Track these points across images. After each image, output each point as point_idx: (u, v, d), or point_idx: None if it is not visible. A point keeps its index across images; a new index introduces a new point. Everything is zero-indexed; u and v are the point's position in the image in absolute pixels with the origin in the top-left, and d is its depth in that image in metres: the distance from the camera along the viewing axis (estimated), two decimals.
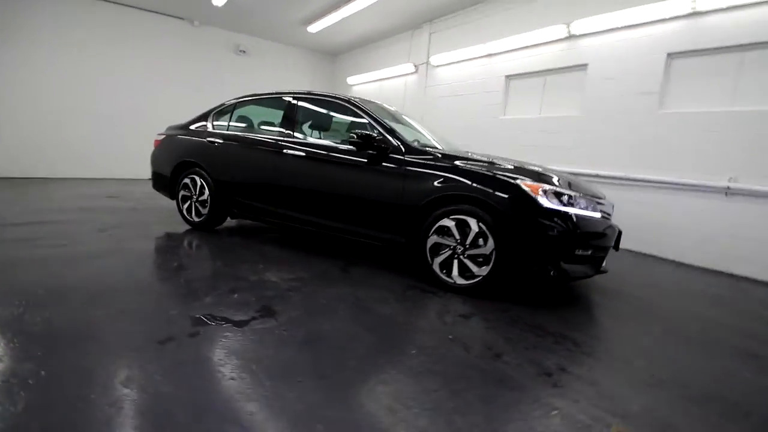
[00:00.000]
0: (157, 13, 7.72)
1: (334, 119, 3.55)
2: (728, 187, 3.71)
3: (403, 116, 3.76)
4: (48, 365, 1.46)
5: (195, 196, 3.81)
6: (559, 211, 2.38)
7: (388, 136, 2.92)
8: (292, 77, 9.65)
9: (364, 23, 7.51)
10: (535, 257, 2.41)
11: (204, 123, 3.94)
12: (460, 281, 2.59)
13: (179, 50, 8.12)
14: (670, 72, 4.16)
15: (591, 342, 2.10)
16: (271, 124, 3.69)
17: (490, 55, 6.03)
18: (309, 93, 3.56)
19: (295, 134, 3.42)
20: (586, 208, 2.52)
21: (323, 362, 1.66)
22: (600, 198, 2.75)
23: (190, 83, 8.30)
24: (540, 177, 2.56)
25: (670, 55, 4.12)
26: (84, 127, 7.33)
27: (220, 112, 3.94)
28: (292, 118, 3.48)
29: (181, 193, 3.92)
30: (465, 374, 1.66)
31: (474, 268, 2.53)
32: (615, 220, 2.89)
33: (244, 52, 8.88)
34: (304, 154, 3.22)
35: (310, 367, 1.61)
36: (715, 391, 1.70)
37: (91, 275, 2.47)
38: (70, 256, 2.79)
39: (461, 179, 2.57)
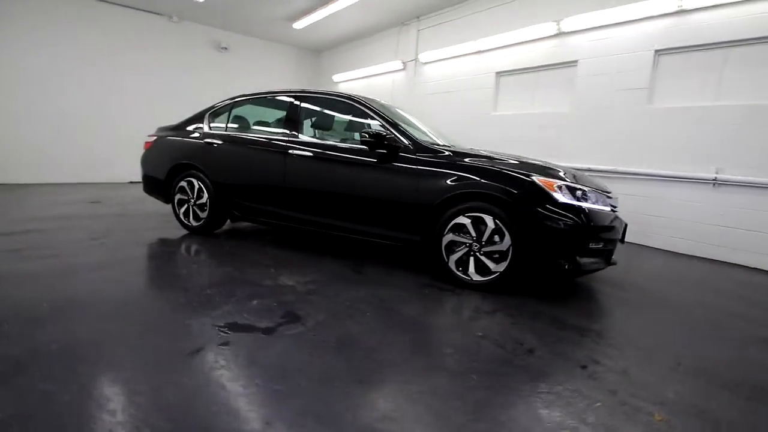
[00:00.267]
0: (131, 8, 7.37)
1: (340, 118, 3.50)
2: (715, 178, 3.90)
3: (403, 113, 3.74)
4: (86, 393, 1.38)
5: (193, 200, 3.68)
6: (573, 206, 2.44)
7: (399, 135, 2.90)
8: (275, 75, 9.46)
9: (351, 19, 7.43)
10: (552, 252, 2.45)
11: (199, 124, 3.80)
12: (477, 278, 2.61)
13: (156, 47, 7.79)
14: (657, 68, 4.31)
15: (612, 333, 2.17)
16: (274, 124, 3.60)
17: (479, 52, 6.09)
18: (313, 91, 3.49)
19: (301, 134, 3.35)
20: (596, 202, 2.58)
21: (361, 366, 1.63)
22: (608, 192, 2.83)
23: (168, 81, 7.99)
24: (551, 172, 2.60)
25: (658, 52, 4.27)
26: (49, 129, 6.84)
27: (216, 112, 3.81)
28: (296, 117, 3.41)
29: (178, 196, 3.77)
30: (504, 371, 1.68)
31: (491, 265, 2.56)
32: None
33: (225, 49, 8.63)
34: (312, 154, 3.16)
35: (349, 372, 1.58)
36: (739, 376, 1.78)
37: (94, 288, 2.34)
38: (66, 268, 2.64)
39: (476, 177, 2.58)
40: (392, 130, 2.93)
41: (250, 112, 3.79)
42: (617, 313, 2.57)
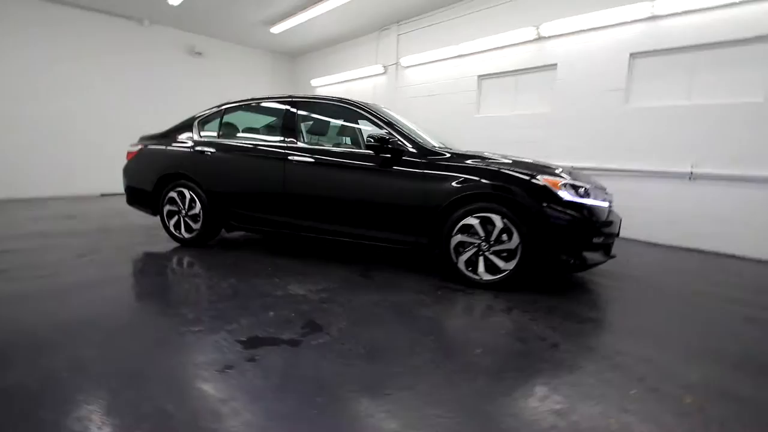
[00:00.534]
0: (101, 12, 7.02)
1: (340, 124, 3.48)
2: (691, 172, 4.15)
3: (400, 118, 3.76)
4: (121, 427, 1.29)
5: (184, 211, 3.53)
6: (577, 203, 2.53)
7: (403, 139, 2.92)
8: (250, 80, 9.27)
9: (330, 23, 7.40)
10: (559, 248, 2.53)
11: (188, 132, 3.66)
12: (487, 277, 2.65)
13: (125, 52, 7.44)
14: (633, 70, 4.56)
15: (624, 323, 2.26)
16: (269, 130, 3.53)
17: (461, 56, 6.21)
18: (311, 97, 3.45)
19: (301, 140, 3.29)
20: (596, 198, 2.69)
21: (399, 371, 1.62)
22: (603, 188, 2.96)
23: (138, 87, 7.65)
24: (554, 172, 2.69)
25: (633, 55, 4.52)
26: (11, 140, 6.38)
27: (206, 120, 3.69)
28: (294, 123, 3.34)
29: (167, 208, 3.61)
30: (536, 367, 1.71)
31: (500, 264, 2.61)
32: None
33: (199, 54, 8.37)
34: (315, 160, 3.11)
35: (390, 379, 1.57)
36: (745, 354, 1.90)
37: (94, 308, 2.20)
38: (59, 288, 2.47)
39: (483, 178, 2.63)
40: (396, 135, 2.94)
41: (243, 119, 3.69)
42: (621, 303, 2.67)
